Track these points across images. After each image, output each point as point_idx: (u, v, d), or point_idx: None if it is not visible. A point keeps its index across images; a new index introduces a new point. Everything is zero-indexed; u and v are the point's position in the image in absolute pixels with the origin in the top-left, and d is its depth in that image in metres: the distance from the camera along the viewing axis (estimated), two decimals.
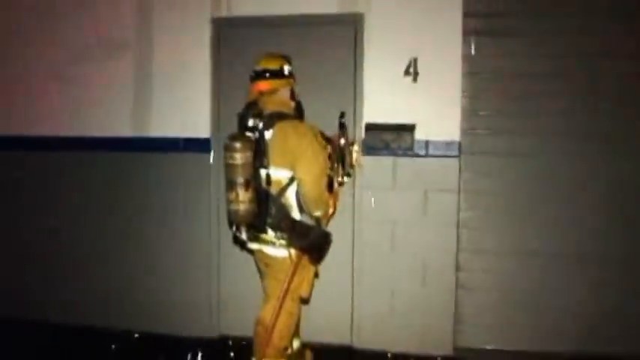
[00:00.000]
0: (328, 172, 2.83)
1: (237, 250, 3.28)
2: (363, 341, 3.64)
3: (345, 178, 3.24)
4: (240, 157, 2.64)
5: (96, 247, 3.92)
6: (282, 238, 2.76)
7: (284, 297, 2.77)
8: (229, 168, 2.68)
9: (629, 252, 3.49)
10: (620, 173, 3.49)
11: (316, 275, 2.97)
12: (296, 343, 3.25)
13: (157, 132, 3.80)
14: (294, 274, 2.77)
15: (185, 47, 3.74)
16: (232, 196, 2.67)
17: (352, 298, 3.66)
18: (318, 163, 2.72)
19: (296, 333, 3.23)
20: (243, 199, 2.65)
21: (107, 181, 3.89)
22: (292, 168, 2.72)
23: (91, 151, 3.88)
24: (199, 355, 3.58)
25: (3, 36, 4.00)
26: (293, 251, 2.77)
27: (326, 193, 2.77)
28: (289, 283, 2.76)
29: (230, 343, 3.72)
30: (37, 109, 3.95)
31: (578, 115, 3.50)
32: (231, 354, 3.59)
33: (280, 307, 2.78)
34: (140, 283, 3.81)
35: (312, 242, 2.78)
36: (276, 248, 2.80)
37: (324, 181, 2.74)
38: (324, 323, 3.61)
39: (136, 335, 3.79)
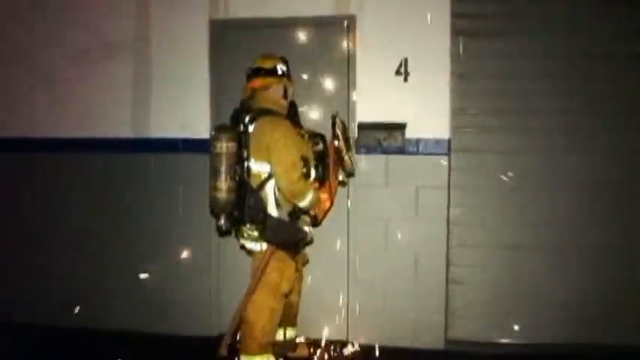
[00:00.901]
0: (312, 166, 2.92)
1: (235, 249, 3.36)
2: (358, 336, 3.73)
3: (346, 178, 3.35)
4: (223, 146, 2.77)
5: (94, 247, 3.99)
6: (256, 231, 2.86)
7: (254, 289, 2.87)
8: (213, 157, 2.81)
9: (616, 245, 3.57)
10: (606, 170, 3.57)
11: (297, 270, 3.06)
12: (291, 332, 3.35)
13: (156, 133, 3.89)
14: (265, 267, 2.86)
15: (184, 49, 3.84)
16: (213, 183, 2.80)
17: (347, 293, 3.76)
18: (289, 154, 2.81)
19: (292, 322, 3.33)
20: (222, 187, 2.77)
21: (107, 182, 3.96)
22: (269, 161, 2.82)
23: (91, 152, 3.95)
24: (199, 353, 3.61)
25: (1, 38, 4.08)
26: (265, 245, 2.87)
27: (302, 183, 2.84)
28: (260, 276, 2.86)
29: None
30: (36, 111, 4.02)
31: (564, 114, 3.59)
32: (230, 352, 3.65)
33: (250, 298, 2.87)
34: (139, 283, 3.87)
35: (283, 237, 2.88)
36: (251, 241, 2.92)
37: (299, 171, 2.82)
38: (320, 318, 3.71)
39: (135, 335, 3.83)
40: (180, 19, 3.85)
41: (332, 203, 3.11)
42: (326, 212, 3.13)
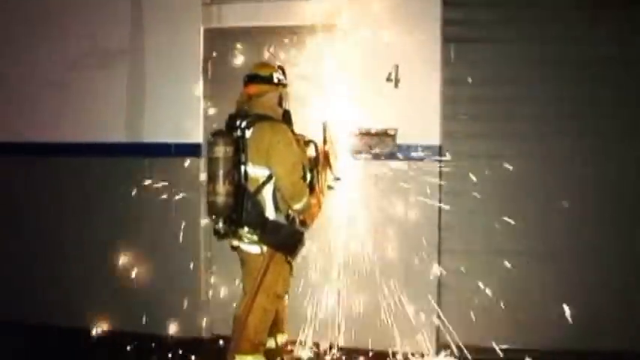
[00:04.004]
0: (307, 170, 2.97)
1: (228, 251, 3.38)
2: (349, 340, 3.73)
3: (334, 183, 3.39)
4: (220, 151, 2.80)
5: (89, 250, 4.03)
6: (255, 234, 2.89)
7: (256, 292, 2.89)
8: (211, 161, 2.84)
9: (604, 250, 3.58)
10: (598, 175, 3.59)
11: (290, 273, 3.08)
12: (281, 339, 3.37)
13: (150, 138, 3.95)
14: (266, 270, 2.88)
15: (177, 56, 3.90)
16: (211, 188, 2.83)
17: (339, 297, 3.77)
18: (290, 155, 2.86)
19: (281, 329, 3.36)
20: (220, 191, 2.80)
21: (101, 186, 4.01)
22: (268, 165, 2.86)
23: (86, 156, 4.02)
24: (192, 354, 3.66)
25: None
26: (265, 248, 2.90)
27: (302, 184, 2.88)
28: (262, 279, 2.88)
29: (222, 342, 3.79)
30: (33, 116, 4.09)
31: (554, 119, 3.62)
32: (224, 353, 3.67)
33: (252, 302, 2.90)
34: (133, 284, 3.90)
35: (283, 240, 2.90)
36: (250, 244, 2.94)
37: (299, 172, 2.87)
38: (312, 323, 3.70)
39: (130, 335, 3.85)
40: (174, 27, 3.91)
41: (320, 208, 3.14)
42: (314, 216, 3.16)
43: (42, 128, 4.07)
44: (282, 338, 3.38)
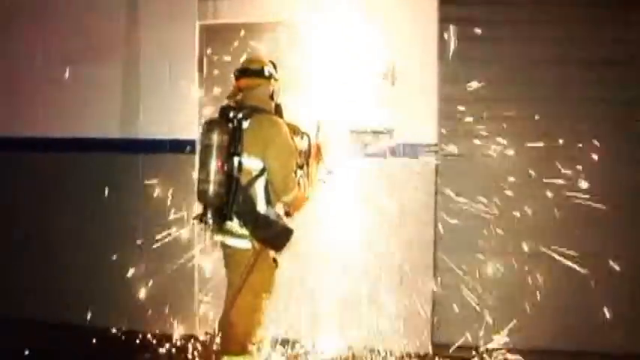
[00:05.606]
0: (297, 165, 2.94)
1: (219, 248, 3.36)
2: (345, 340, 3.71)
3: (327, 176, 3.36)
4: (214, 138, 2.73)
5: (82, 247, 4.00)
6: (245, 229, 2.84)
7: (240, 290, 2.82)
8: (204, 148, 2.78)
9: (605, 252, 3.56)
10: (596, 177, 3.57)
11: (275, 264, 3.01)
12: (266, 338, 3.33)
13: (144, 134, 3.92)
14: (253, 267, 2.83)
15: (173, 52, 3.88)
16: (203, 175, 2.76)
17: (334, 297, 3.73)
18: (286, 150, 2.82)
19: (264, 328, 3.31)
20: (212, 179, 2.73)
21: (95, 182, 3.97)
22: (263, 157, 2.82)
23: (79, 152, 3.99)
24: (183, 351, 3.66)
25: None
26: (256, 243, 2.85)
27: (293, 178, 2.84)
28: (247, 277, 2.83)
29: (213, 340, 3.76)
30: (27, 111, 4.07)
31: (551, 120, 3.60)
32: (215, 350, 3.66)
33: (238, 300, 2.84)
34: (125, 281, 3.87)
35: (273, 236, 2.85)
36: (237, 239, 2.88)
37: (292, 167, 2.84)
38: (307, 322, 3.70)
39: (121, 332, 3.86)
40: (169, 23, 3.88)
41: (307, 199, 3.11)
42: (299, 209, 3.13)
43: (36, 123, 4.04)
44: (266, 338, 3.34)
